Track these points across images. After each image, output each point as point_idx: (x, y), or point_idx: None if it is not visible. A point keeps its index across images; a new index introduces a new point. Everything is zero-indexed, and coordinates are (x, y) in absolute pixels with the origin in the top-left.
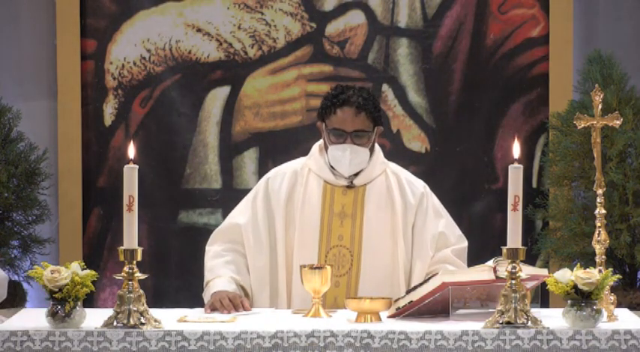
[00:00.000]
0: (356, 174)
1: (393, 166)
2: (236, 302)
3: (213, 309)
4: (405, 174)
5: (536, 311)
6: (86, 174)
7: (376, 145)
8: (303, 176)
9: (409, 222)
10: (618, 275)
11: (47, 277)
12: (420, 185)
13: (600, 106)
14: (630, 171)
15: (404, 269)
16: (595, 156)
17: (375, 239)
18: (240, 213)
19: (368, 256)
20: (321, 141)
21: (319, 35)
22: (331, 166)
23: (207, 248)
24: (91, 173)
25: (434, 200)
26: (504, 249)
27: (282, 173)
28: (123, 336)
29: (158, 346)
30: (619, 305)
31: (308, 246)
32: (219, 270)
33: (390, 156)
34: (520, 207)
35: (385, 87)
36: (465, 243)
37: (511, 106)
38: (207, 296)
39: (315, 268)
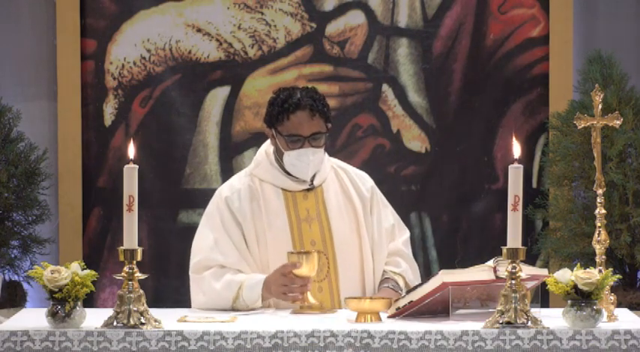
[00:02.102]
0: (313, 176)
1: (336, 161)
2: (294, 282)
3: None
4: (351, 168)
5: (536, 311)
6: (86, 174)
7: None
8: (256, 189)
9: (367, 215)
10: (618, 275)
11: (47, 277)
12: (367, 177)
13: (600, 106)
14: (630, 171)
15: (371, 263)
16: (595, 156)
17: (344, 238)
18: (216, 247)
19: (342, 256)
20: (266, 148)
21: (319, 35)
22: (286, 172)
23: (197, 276)
24: (91, 173)
25: (379, 191)
26: (504, 249)
27: (237, 190)
28: (123, 336)
29: (158, 346)
30: (619, 305)
31: (283, 256)
32: (237, 277)
33: (390, 156)
34: (520, 207)
35: (385, 87)
36: (408, 232)
37: (511, 106)
38: (252, 300)
39: (302, 253)
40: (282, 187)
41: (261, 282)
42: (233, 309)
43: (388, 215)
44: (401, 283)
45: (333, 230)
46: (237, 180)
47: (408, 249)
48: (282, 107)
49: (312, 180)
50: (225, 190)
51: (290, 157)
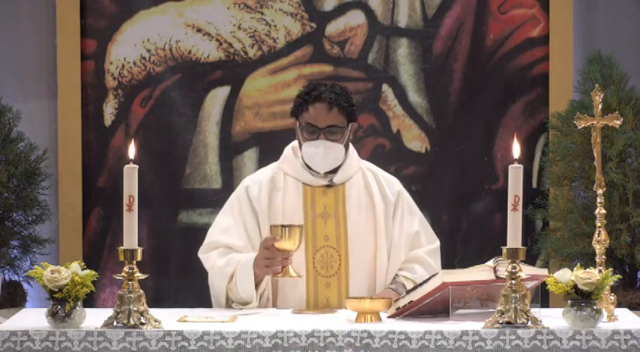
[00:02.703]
0: (334, 172)
1: (367, 163)
2: (275, 254)
3: (267, 267)
4: (381, 171)
5: (536, 311)
6: (86, 174)
7: (349, 143)
8: (279, 181)
9: (389, 218)
10: (618, 275)
11: (47, 277)
12: (396, 182)
13: (600, 106)
14: (630, 171)
15: (385, 265)
16: (595, 156)
17: (360, 237)
18: (228, 230)
19: (355, 255)
20: (293, 144)
21: (319, 35)
22: (307, 165)
23: (204, 255)
24: (91, 173)
25: (408, 197)
26: (504, 249)
27: (259, 180)
28: (123, 336)
29: (158, 346)
30: (619, 305)
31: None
32: (238, 256)
33: (390, 156)
34: (520, 207)
35: (385, 87)
36: (437, 243)
37: (511, 106)
38: (245, 276)
39: (285, 227)
40: (303, 181)
41: (252, 260)
42: (227, 297)
43: (414, 222)
44: (410, 288)
45: (348, 228)
46: (263, 171)
47: (432, 258)
48: (303, 98)
49: (331, 178)
50: (247, 180)
51: (307, 149)
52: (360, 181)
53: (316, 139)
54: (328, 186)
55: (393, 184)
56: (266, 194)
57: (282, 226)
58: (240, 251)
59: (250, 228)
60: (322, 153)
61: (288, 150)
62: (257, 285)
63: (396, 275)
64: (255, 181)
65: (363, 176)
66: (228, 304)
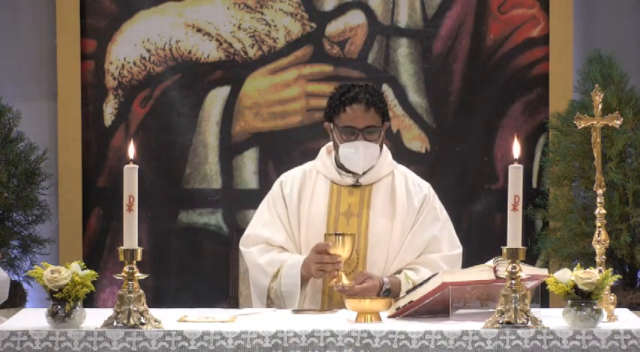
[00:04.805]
0: (363, 173)
1: (402, 168)
2: (328, 259)
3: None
4: (412, 176)
5: (536, 311)
6: (86, 174)
7: (384, 146)
8: (311, 178)
9: (408, 227)
10: (618, 275)
11: (47, 277)
12: (425, 187)
13: (600, 106)
14: (630, 171)
15: (394, 270)
16: (595, 156)
17: (378, 240)
18: (267, 224)
19: (372, 257)
20: (328, 144)
21: (319, 35)
22: (341, 165)
23: (245, 249)
24: (91, 173)
25: (435, 203)
26: (504, 249)
27: (292, 177)
28: (123, 336)
29: (158, 346)
30: (619, 305)
31: (315, 242)
32: (282, 256)
33: None
34: (520, 207)
35: (385, 87)
36: (459, 250)
37: (511, 106)
38: (291, 278)
39: (338, 235)
40: (331, 179)
41: (301, 262)
42: (268, 296)
43: (434, 227)
44: (405, 287)
45: (369, 229)
46: (298, 168)
47: (448, 264)
48: (339, 100)
49: (358, 178)
50: (283, 175)
51: (344, 149)
52: (388, 185)
53: (355, 140)
54: (355, 185)
55: (421, 190)
56: (297, 189)
57: (336, 234)
58: (281, 245)
59: (285, 223)
60: (362, 153)
61: (322, 149)
62: (301, 288)
63: (400, 270)
64: (288, 177)
65: (393, 180)
66: (269, 303)
